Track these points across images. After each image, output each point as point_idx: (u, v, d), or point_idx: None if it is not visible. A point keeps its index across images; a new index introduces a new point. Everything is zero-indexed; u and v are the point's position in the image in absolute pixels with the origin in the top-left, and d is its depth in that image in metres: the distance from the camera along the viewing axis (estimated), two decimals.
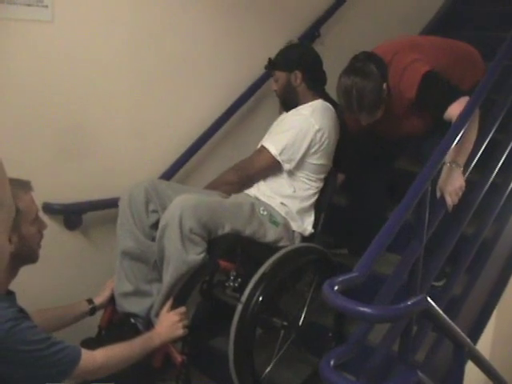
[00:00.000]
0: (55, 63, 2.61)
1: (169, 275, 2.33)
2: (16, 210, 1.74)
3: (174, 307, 2.28)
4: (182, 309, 2.27)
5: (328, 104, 2.82)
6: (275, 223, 2.62)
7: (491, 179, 2.73)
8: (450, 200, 2.42)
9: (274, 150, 2.70)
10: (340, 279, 1.81)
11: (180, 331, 2.22)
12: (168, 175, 3.00)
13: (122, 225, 2.51)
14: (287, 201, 2.72)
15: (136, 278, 2.48)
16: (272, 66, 2.89)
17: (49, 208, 2.61)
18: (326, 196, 2.86)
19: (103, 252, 2.82)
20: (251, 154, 2.81)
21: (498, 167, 2.77)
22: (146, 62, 2.93)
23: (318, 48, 3.52)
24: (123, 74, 2.86)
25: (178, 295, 2.35)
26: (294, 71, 2.80)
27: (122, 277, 2.49)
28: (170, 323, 2.21)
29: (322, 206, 2.85)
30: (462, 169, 2.48)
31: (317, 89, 2.85)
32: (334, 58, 3.31)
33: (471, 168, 2.55)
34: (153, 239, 2.46)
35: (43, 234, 1.97)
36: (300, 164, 2.72)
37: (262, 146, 2.75)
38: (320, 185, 2.81)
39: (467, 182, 2.48)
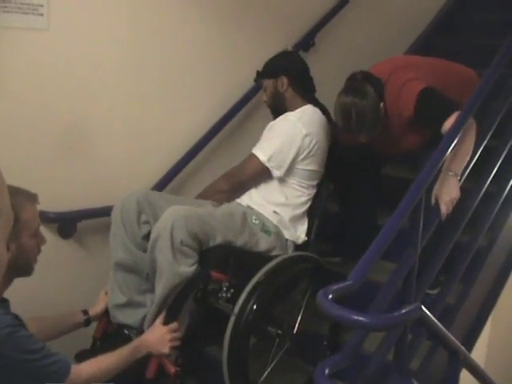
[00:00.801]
0: (51, 71, 2.62)
1: (161, 287, 2.33)
2: (18, 219, 1.76)
3: (166, 320, 2.28)
4: (174, 325, 2.27)
5: (317, 109, 2.81)
6: (267, 232, 2.62)
7: (485, 187, 2.73)
8: (445, 209, 2.42)
9: (262, 156, 2.69)
10: (334, 287, 1.81)
11: (166, 350, 2.21)
12: (163, 183, 3.01)
13: (115, 236, 2.50)
14: (279, 209, 2.70)
15: (129, 289, 2.48)
16: (259, 76, 2.91)
17: (43, 216, 2.59)
18: (319, 203, 2.85)
19: (97, 260, 2.81)
20: (241, 162, 2.81)
21: (492, 175, 2.77)
22: (142, 70, 2.94)
23: (312, 56, 3.55)
24: (119, 83, 2.87)
25: (171, 308, 2.34)
26: (280, 77, 2.80)
27: (115, 288, 2.48)
28: (159, 337, 2.21)
29: (316, 213, 2.84)
30: (458, 178, 2.49)
31: (305, 95, 2.84)
32: (328, 66, 3.34)
33: (466, 175, 2.55)
34: (145, 250, 2.45)
35: (41, 250, 1.96)
36: (290, 170, 2.71)
37: (252, 153, 2.75)
38: (312, 192, 2.80)
39: (461, 189, 2.49)
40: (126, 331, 2.45)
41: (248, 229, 2.56)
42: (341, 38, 3.85)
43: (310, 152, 2.70)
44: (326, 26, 3.73)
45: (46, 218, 2.62)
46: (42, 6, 2.53)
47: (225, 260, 2.46)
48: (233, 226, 2.50)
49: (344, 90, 2.61)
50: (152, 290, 2.44)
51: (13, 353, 1.64)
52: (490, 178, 2.77)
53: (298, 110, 2.79)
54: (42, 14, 2.54)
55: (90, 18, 2.72)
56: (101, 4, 2.75)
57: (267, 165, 2.68)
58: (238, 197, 2.80)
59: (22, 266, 1.87)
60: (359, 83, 2.59)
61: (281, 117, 2.81)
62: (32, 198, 1.90)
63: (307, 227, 2.79)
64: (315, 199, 2.83)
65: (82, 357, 2.22)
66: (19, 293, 1.91)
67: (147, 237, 2.45)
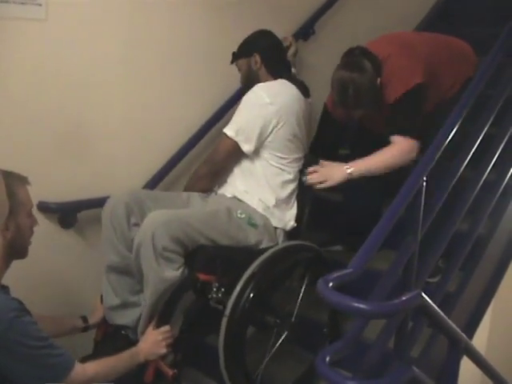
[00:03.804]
0: (49, 62, 2.61)
1: (149, 294, 2.32)
2: (15, 197, 1.80)
3: (158, 325, 2.29)
4: (166, 328, 2.28)
5: (286, 82, 2.73)
6: (254, 225, 2.56)
7: (485, 175, 2.73)
8: (310, 178, 2.58)
9: (230, 132, 2.63)
10: (335, 275, 1.81)
11: (163, 350, 2.25)
12: (162, 174, 3.02)
13: (105, 239, 2.48)
14: (263, 195, 2.65)
15: (123, 291, 2.48)
16: (235, 57, 2.86)
17: (44, 206, 2.61)
18: (309, 189, 2.74)
19: (98, 250, 2.80)
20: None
21: (492, 163, 2.77)
22: (141, 61, 2.94)
23: (312, 45, 3.54)
24: (118, 73, 2.86)
25: (161, 313, 2.34)
26: (253, 54, 2.76)
27: (109, 291, 2.48)
28: (153, 341, 2.24)
29: (306, 199, 2.78)
30: (351, 173, 2.55)
31: (279, 71, 2.77)
32: (328, 55, 3.30)
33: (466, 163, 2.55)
34: None
35: (33, 231, 1.98)
36: (261, 144, 2.64)
37: (222, 133, 2.69)
38: (292, 170, 2.72)
39: (461, 178, 2.49)
40: (123, 331, 2.46)
41: (234, 224, 2.51)
42: (341, 26, 3.84)
43: (278, 122, 2.61)
44: (325, 15, 3.72)
45: (47, 208, 2.63)
46: None
47: (212, 259, 2.41)
48: (217, 225, 2.45)
49: (342, 64, 2.59)
50: None
51: (18, 337, 1.66)
52: (490, 166, 2.77)
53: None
54: (40, 4, 2.53)
55: (89, 9, 2.71)
56: None
57: (236, 139, 2.62)
58: (222, 185, 2.76)
59: (18, 246, 1.89)
60: (357, 58, 2.57)
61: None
62: (23, 179, 1.92)
63: (298, 214, 2.73)
64: (305, 187, 2.73)
65: (85, 362, 2.24)
66: (19, 283, 1.92)
67: None
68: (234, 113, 3.16)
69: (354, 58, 2.58)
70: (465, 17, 4.22)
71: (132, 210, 2.46)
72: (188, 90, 3.16)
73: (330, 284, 1.75)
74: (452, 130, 2.38)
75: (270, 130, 2.62)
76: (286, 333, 2.47)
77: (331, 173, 2.57)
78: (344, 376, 1.82)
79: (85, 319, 2.44)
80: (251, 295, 2.31)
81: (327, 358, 1.81)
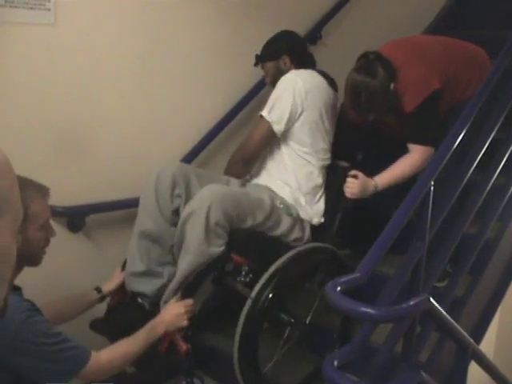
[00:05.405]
0: (57, 66, 2.62)
1: (186, 264, 2.33)
2: (25, 212, 1.76)
3: (183, 297, 2.30)
4: (189, 301, 2.28)
5: (317, 74, 2.81)
6: (290, 215, 2.63)
7: (494, 179, 2.73)
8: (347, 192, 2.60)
9: (264, 112, 2.69)
10: (343, 280, 1.82)
11: (184, 322, 2.24)
12: None
13: (145, 205, 2.51)
14: (293, 186, 2.71)
15: (149, 259, 2.48)
16: (260, 59, 2.93)
17: (52, 211, 2.60)
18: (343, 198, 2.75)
19: (106, 254, 2.83)
20: None
21: (500, 167, 2.77)
22: (149, 64, 2.94)
23: (320, 49, 3.54)
24: (125, 77, 2.87)
25: (189, 285, 2.36)
26: (282, 57, 2.84)
27: (135, 256, 2.48)
28: (176, 313, 2.22)
29: (340, 205, 2.80)
30: (377, 188, 2.61)
31: (306, 67, 2.84)
32: (336, 59, 3.31)
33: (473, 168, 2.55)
34: (172, 224, 2.47)
35: (50, 241, 1.97)
36: (291, 128, 2.69)
37: (258, 116, 2.76)
38: (316, 162, 2.76)
39: (468, 182, 2.48)
40: (140, 299, 2.46)
41: (276, 212, 2.57)
42: (348, 30, 3.84)
43: (308, 105, 2.68)
44: (333, 19, 3.72)
45: (56, 212, 2.62)
46: (49, 0, 2.53)
47: (247, 242, 2.47)
48: (263, 209, 2.51)
49: (355, 68, 2.58)
50: (172, 264, 2.46)
51: (30, 336, 1.68)
52: (498, 170, 2.76)
53: None
54: (49, 9, 2.55)
55: (97, 13, 2.72)
56: None
57: (268, 119, 2.66)
58: (257, 174, 2.81)
59: (28, 256, 1.87)
60: (371, 62, 2.56)
61: None
62: (42, 190, 1.91)
63: (328, 220, 2.78)
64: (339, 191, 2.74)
65: (96, 325, 2.24)
66: (28, 287, 1.92)
67: (176, 211, 2.47)
68: (246, 113, 3.28)
69: (368, 62, 2.57)
70: (473, 20, 4.20)
71: (178, 181, 2.51)
72: (196, 92, 3.16)
73: (338, 288, 1.76)
74: (460, 134, 2.37)
75: (299, 113, 2.68)
76: (297, 334, 2.48)
77: (365, 186, 2.60)
78: (352, 380, 1.82)
79: (99, 290, 2.43)
80: (277, 285, 2.35)
81: (335, 362, 1.81)
